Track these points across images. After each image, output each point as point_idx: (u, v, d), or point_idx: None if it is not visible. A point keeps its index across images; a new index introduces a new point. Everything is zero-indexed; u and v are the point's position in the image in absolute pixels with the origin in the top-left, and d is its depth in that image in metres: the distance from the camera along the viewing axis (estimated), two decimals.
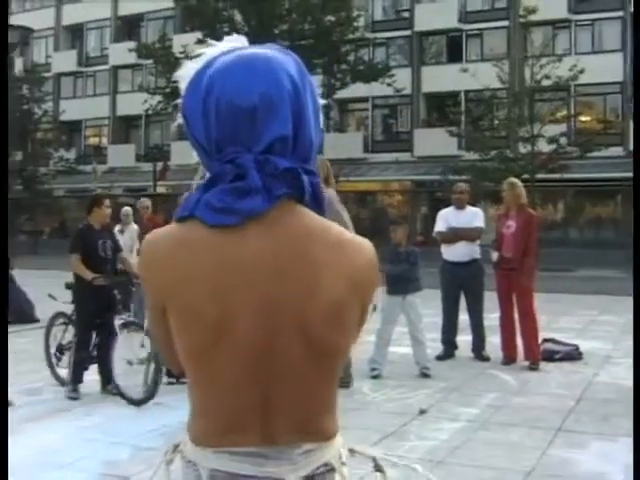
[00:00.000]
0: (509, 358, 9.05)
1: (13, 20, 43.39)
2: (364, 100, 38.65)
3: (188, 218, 1.52)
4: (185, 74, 1.62)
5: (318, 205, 1.58)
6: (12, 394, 7.41)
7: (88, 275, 7.48)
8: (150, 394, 7.21)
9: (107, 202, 8.01)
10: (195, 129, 1.58)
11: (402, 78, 34.92)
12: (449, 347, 9.50)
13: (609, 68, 33.08)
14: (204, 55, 1.64)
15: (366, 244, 1.61)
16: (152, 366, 7.27)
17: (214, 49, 1.65)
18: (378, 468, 1.79)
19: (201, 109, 1.55)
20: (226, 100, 1.52)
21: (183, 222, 1.54)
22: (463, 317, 9.61)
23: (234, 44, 1.66)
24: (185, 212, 1.53)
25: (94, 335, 7.83)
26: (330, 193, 7.79)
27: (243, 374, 1.51)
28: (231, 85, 1.53)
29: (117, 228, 11.42)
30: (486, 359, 9.26)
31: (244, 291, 1.49)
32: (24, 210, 40.07)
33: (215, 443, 1.54)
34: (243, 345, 1.49)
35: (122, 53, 42.12)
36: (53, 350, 8.35)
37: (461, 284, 9.41)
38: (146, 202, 12.14)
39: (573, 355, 9.32)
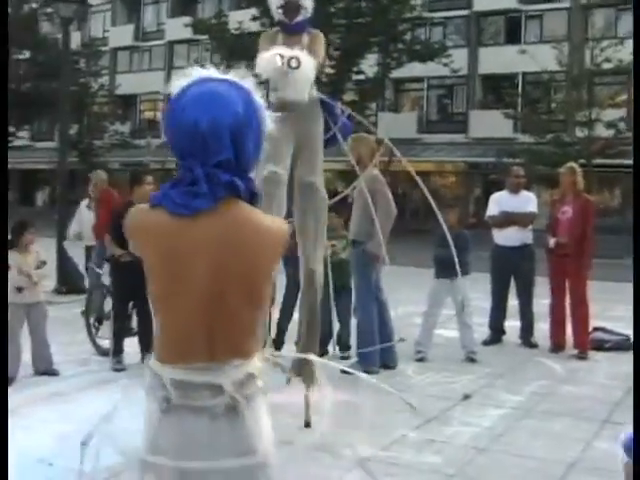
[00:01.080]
0: (557, 346, 8.91)
1: None
2: (419, 80, 38.30)
3: (157, 205, 2.23)
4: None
5: (253, 201, 2.31)
6: (61, 364, 7.53)
7: (117, 251, 7.52)
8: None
9: (149, 179, 7.98)
10: (169, 139, 2.29)
11: (459, 58, 34.49)
12: (496, 332, 9.38)
13: None
14: (185, 80, 2.38)
15: (278, 228, 2.35)
16: None
17: (195, 74, 2.41)
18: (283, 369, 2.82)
19: (173, 126, 2.28)
20: (186, 125, 2.23)
21: (154, 207, 2.25)
22: (512, 302, 9.48)
23: (206, 74, 2.42)
24: (155, 201, 2.25)
25: (130, 307, 7.88)
26: (375, 174, 7.73)
27: (194, 313, 2.22)
28: (189, 115, 2.24)
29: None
30: (534, 346, 9.12)
31: (196, 258, 2.20)
32: (79, 182, 40.50)
33: (174, 361, 2.24)
34: (195, 294, 2.21)
35: (178, 28, 42.32)
36: (92, 320, 8.45)
37: (512, 269, 9.28)
38: (102, 174, 11.96)
39: (623, 345, 9.12)
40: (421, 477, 4.87)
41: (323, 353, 8.12)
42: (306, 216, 5.39)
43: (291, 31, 5.68)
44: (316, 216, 5.38)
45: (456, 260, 7.09)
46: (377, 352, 7.72)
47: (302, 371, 5.40)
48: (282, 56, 5.10)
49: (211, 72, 2.45)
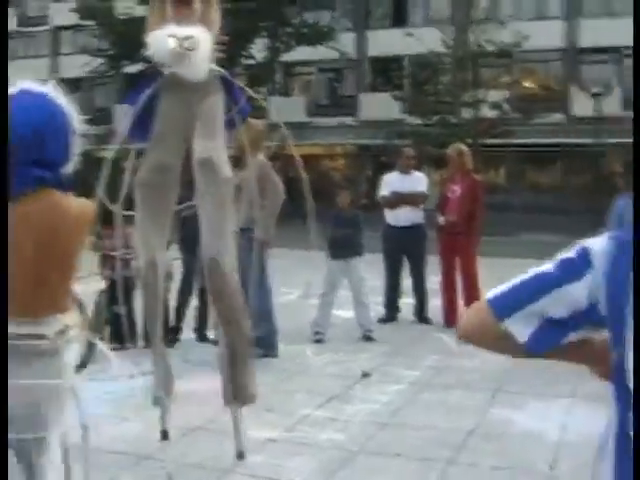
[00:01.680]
0: (450, 321, 9.17)
1: None
2: (309, 64, 38.43)
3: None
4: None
5: (64, 189, 2.89)
6: None
7: None
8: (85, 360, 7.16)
9: None
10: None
11: (347, 42, 34.79)
12: (391, 310, 9.60)
13: (551, 34, 33.33)
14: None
15: (81, 210, 2.96)
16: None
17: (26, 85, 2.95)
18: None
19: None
20: (11, 131, 2.76)
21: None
22: (406, 281, 9.70)
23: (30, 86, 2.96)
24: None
25: None
26: (261, 160, 7.78)
27: (24, 280, 2.78)
28: (12, 121, 2.77)
29: None
30: (428, 322, 9.38)
31: (22, 234, 2.76)
32: None
33: (13, 316, 2.71)
34: (24, 266, 2.77)
35: (63, 13, 41.18)
36: None
37: (404, 248, 9.48)
38: None
39: None
40: (326, 454, 4.98)
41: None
42: (204, 199, 4.80)
43: None
44: (215, 199, 4.76)
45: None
46: (276, 336, 7.80)
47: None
48: (175, 37, 4.72)
49: (27, 84, 2.98)
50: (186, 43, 4.65)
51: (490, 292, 1.65)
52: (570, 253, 1.61)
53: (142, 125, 4.82)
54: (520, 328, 1.58)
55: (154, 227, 4.70)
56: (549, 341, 1.58)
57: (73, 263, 2.99)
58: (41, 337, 2.89)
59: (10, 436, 2.75)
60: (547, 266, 1.62)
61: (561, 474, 4.66)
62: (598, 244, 1.57)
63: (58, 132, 2.92)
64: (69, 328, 2.98)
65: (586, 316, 1.55)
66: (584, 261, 1.56)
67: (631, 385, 1.46)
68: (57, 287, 2.95)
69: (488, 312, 1.62)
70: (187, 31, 4.74)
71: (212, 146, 4.74)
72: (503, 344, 1.63)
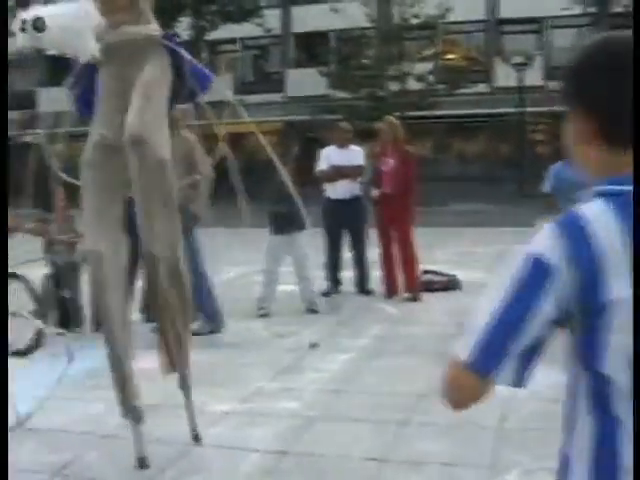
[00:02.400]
0: (391, 291, 9.39)
1: None
2: (234, 41, 38.20)
3: None
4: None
5: None
6: None
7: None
8: (35, 344, 7.20)
9: None
10: None
11: (272, 18, 34.64)
12: (334, 283, 9.76)
13: (474, 6, 33.73)
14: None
15: None
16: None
17: None
18: None
19: None
20: None
21: None
22: (346, 254, 9.87)
23: None
24: None
25: None
26: (188, 136, 7.82)
27: None
28: None
29: None
30: (370, 293, 9.58)
31: None
32: None
33: None
34: None
35: None
36: None
37: (343, 221, 9.63)
38: None
39: (452, 285, 9.75)
40: (284, 423, 5.12)
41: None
42: (135, 184, 4.39)
43: None
44: (145, 183, 4.33)
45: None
46: (220, 312, 7.89)
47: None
48: (23, 21, 4.35)
49: None
50: (36, 24, 4.29)
51: (459, 352, 1.51)
52: (519, 270, 1.48)
53: (88, 102, 4.68)
54: (509, 375, 1.49)
55: (101, 213, 4.48)
56: (534, 364, 1.52)
57: None
58: None
59: None
60: (501, 298, 1.49)
61: (510, 427, 4.90)
62: (544, 244, 1.46)
63: None
64: None
65: (555, 321, 1.47)
66: (539, 273, 1.45)
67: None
68: None
69: (471, 377, 1.49)
70: (35, 12, 4.39)
71: (145, 121, 4.29)
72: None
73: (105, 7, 4.46)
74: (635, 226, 1.40)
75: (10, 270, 7.96)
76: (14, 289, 7.49)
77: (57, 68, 38.48)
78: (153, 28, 4.74)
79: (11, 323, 7.36)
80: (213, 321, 7.78)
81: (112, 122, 4.43)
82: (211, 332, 7.68)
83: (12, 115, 35.97)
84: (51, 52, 4.46)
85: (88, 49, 4.38)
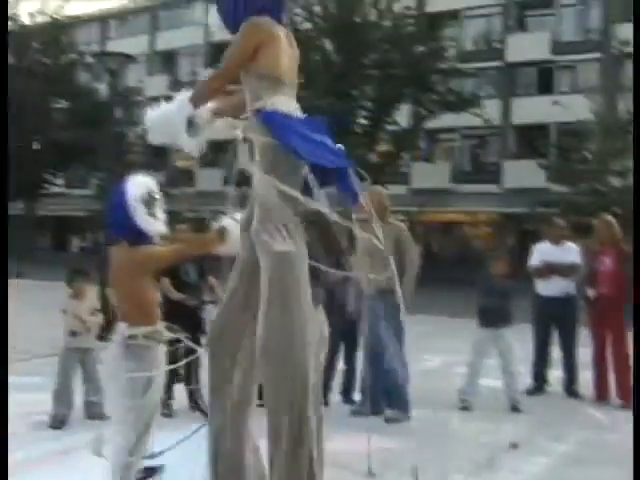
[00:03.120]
0: (601, 395, 8.93)
1: (111, 46, 44.85)
2: (453, 130, 38.56)
3: None
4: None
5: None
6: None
7: (175, 295, 7.76)
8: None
9: (182, 227, 8.31)
10: None
11: (492, 109, 34.72)
12: (540, 382, 9.42)
13: None
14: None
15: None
16: None
17: None
18: None
19: None
20: None
21: None
22: (555, 352, 9.52)
23: None
24: None
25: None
26: (398, 224, 7.99)
27: None
28: None
29: None
30: (578, 395, 9.14)
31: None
32: None
33: None
34: None
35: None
36: None
37: (554, 319, 9.34)
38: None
39: None
40: None
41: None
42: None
43: None
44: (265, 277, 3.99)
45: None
46: (409, 400, 7.84)
47: None
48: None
49: None
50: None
51: None
52: None
53: None
54: None
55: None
56: None
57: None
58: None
59: None
60: None
61: None
62: None
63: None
64: None
65: None
66: None
67: None
68: None
69: None
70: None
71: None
72: None
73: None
74: (635, 226, 1.30)
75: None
76: None
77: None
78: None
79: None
80: (402, 409, 7.72)
81: None
82: (395, 420, 7.60)
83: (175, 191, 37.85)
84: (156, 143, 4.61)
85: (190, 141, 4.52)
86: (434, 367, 11.03)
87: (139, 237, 4.87)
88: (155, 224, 4.92)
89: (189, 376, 7.96)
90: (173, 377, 8.04)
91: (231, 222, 4.68)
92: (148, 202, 4.90)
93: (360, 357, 8.22)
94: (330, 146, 4.21)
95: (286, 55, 4.27)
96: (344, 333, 8.31)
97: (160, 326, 4.98)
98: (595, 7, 36.80)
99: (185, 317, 7.62)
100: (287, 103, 4.24)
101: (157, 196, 4.99)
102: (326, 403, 8.26)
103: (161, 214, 4.99)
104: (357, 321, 8.35)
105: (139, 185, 4.93)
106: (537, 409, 8.47)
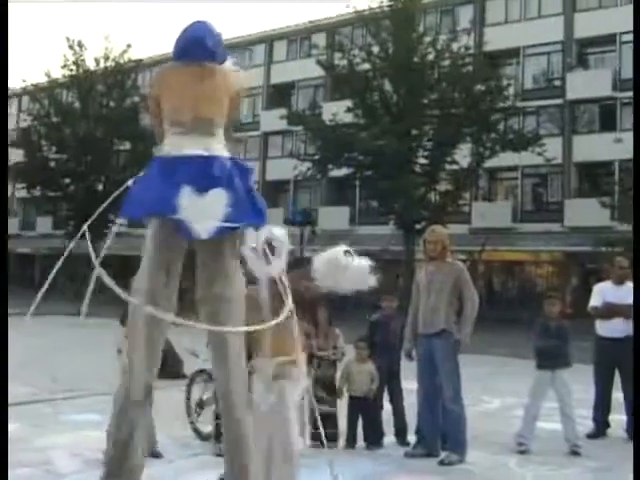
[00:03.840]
0: None
1: None
2: (513, 169, 38.25)
3: None
4: None
5: None
6: (164, 446, 7.68)
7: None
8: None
9: None
10: None
11: (553, 147, 34.33)
12: (601, 425, 9.16)
13: None
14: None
15: None
16: None
17: None
18: None
19: None
20: None
21: None
22: (616, 395, 9.27)
23: None
24: None
25: None
26: (458, 263, 7.99)
27: None
28: None
29: None
30: None
31: None
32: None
33: None
34: None
35: (273, 119, 43.53)
36: (194, 405, 8.62)
37: (616, 361, 9.10)
38: None
39: None
40: None
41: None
42: None
43: None
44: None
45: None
46: (466, 442, 7.74)
47: None
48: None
49: None
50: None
51: None
52: None
53: None
54: None
55: None
56: None
57: None
58: None
59: None
60: None
61: None
62: None
63: None
64: None
65: None
66: None
67: None
68: None
69: None
70: None
71: None
72: None
73: None
74: (635, 226, 1.25)
75: None
76: None
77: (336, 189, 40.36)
78: None
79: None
80: (457, 452, 7.57)
81: None
82: (450, 463, 7.46)
83: (296, 231, 38.22)
84: None
85: None
86: (493, 409, 10.83)
87: None
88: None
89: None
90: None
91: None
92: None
93: (412, 397, 8.14)
94: (192, 190, 4.20)
95: (184, 94, 4.41)
96: (389, 372, 8.30)
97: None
98: None
99: None
100: (178, 143, 4.38)
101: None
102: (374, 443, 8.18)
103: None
104: (398, 359, 8.36)
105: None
106: (598, 453, 8.22)
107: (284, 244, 5.17)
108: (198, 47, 4.46)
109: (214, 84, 4.45)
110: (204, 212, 4.13)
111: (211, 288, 4.47)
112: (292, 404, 5.38)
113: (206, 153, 4.29)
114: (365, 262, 5.38)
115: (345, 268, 5.25)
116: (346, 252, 5.33)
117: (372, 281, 5.41)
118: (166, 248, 4.44)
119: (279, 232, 5.24)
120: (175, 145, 4.38)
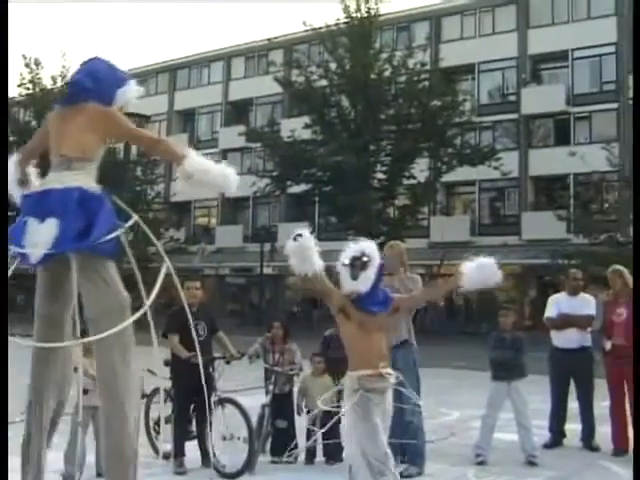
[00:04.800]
0: (620, 449, 8.75)
1: (130, 107, 45.54)
2: (471, 183, 38.59)
3: None
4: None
5: None
6: None
7: (184, 353, 7.71)
8: (243, 469, 7.39)
9: (193, 284, 8.29)
10: None
11: (509, 161, 34.78)
12: (557, 435, 9.26)
13: None
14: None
15: None
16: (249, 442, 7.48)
17: None
18: None
19: None
20: None
21: None
22: (571, 405, 9.39)
23: None
24: None
25: (191, 411, 8.04)
26: (413, 276, 8.02)
27: None
28: None
29: None
30: (596, 449, 8.96)
31: None
32: (132, 287, 41.18)
33: None
34: None
35: (231, 136, 43.53)
36: (152, 424, 8.57)
37: (571, 371, 9.21)
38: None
39: None
40: None
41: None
42: None
43: None
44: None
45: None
46: (424, 454, 7.78)
47: None
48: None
49: None
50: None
51: None
52: None
53: None
54: None
55: None
56: None
57: None
58: None
59: None
60: None
61: None
62: None
63: None
64: None
65: None
66: None
67: None
68: None
69: None
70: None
71: None
72: None
73: None
74: (635, 226, 1.32)
75: (231, 395, 8.29)
76: (231, 413, 7.75)
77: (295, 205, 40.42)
78: None
79: (224, 446, 7.64)
80: (416, 464, 7.61)
81: None
82: (409, 475, 7.48)
83: (255, 247, 38.12)
84: None
85: None
86: (451, 421, 10.90)
87: None
88: None
89: (201, 432, 7.93)
90: (184, 434, 8.01)
91: None
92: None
93: None
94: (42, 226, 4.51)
95: (53, 136, 4.83)
96: None
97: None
98: (608, 60, 36.91)
99: (194, 374, 7.60)
100: (45, 179, 4.83)
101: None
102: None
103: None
104: None
105: None
106: (554, 463, 8.31)
107: (373, 259, 5.29)
108: (71, 89, 4.91)
109: (75, 123, 4.73)
110: (38, 239, 4.39)
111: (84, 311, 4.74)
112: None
113: (59, 186, 4.58)
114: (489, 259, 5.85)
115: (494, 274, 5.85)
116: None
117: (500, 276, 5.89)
118: (49, 272, 4.71)
119: (369, 247, 5.29)
120: (44, 181, 4.82)
